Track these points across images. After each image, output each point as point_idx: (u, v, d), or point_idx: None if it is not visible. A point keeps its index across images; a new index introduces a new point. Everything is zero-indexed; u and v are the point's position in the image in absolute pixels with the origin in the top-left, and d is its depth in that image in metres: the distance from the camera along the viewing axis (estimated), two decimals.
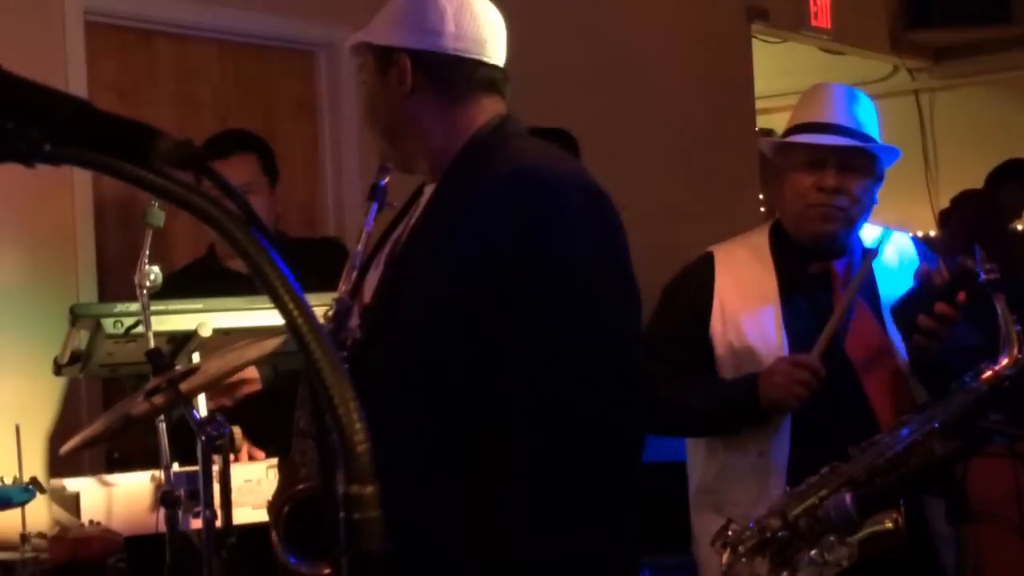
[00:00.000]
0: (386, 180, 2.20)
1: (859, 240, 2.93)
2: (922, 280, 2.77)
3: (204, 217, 0.80)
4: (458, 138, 2.13)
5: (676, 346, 2.88)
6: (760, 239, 2.97)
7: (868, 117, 2.87)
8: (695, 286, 2.94)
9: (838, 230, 2.85)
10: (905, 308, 2.77)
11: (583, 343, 1.95)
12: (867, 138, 2.83)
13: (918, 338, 2.70)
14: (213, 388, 2.99)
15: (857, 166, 2.84)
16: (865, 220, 2.91)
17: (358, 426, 0.80)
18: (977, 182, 6.60)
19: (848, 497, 2.61)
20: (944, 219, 5.72)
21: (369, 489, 0.80)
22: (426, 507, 1.98)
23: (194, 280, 3.56)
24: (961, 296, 2.66)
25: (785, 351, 2.80)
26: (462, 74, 2.14)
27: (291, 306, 0.78)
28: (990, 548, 3.07)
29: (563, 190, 2.01)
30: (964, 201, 5.62)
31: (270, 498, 2.26)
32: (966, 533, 2.61)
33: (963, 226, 5.30)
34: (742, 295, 2.88)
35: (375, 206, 2.18)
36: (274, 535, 2.06)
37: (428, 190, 2.21)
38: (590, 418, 1.93)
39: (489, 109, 2.16)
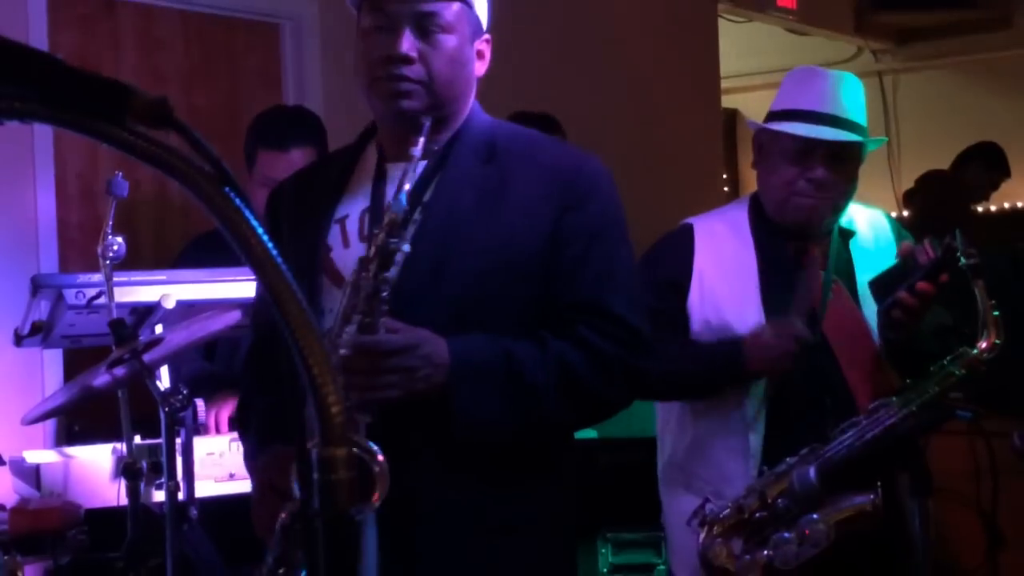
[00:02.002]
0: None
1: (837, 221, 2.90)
2: (905, 257, 2.72)
3: (178, 176, 0.79)
4: (464, 113, 2.26)
5: (655, 318, 2.84)
6: (739, 214, 2.94)
7: (855, 102, 2.83)
8: (674, 258, 2.90)
9: (823, 220, 2.84)
10: (884, 283, 2.75)
11: (626, 307, 2.16)
12: (856, 126, 2.80)
13: (896, 313, 2.69)
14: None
15: (846, 156, 2.81)
16: (848, 205, 2.89)
17: (333, 388, 0.79)
18: (938, 163, 6.64)
19: (812, 470, 2.63)
20: (908, 199, 5.75)
21: (342, 451, 0.80)
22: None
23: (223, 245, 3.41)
24: (944, 277, 2.65)
25: None
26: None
27: (266, 265, 0.77)
28: (948, 524, 3.10)
29: (599, 171, 2.26)
30: (928, 181, 5.66)
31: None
32: (927, 506, 2.63)
33: (926, 206, 5.34)
34: (721, 271, 2.86)
35: (423, 140, 2.09)
36: None
37: (392, 167, 2.21)
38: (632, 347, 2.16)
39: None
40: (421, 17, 2.13)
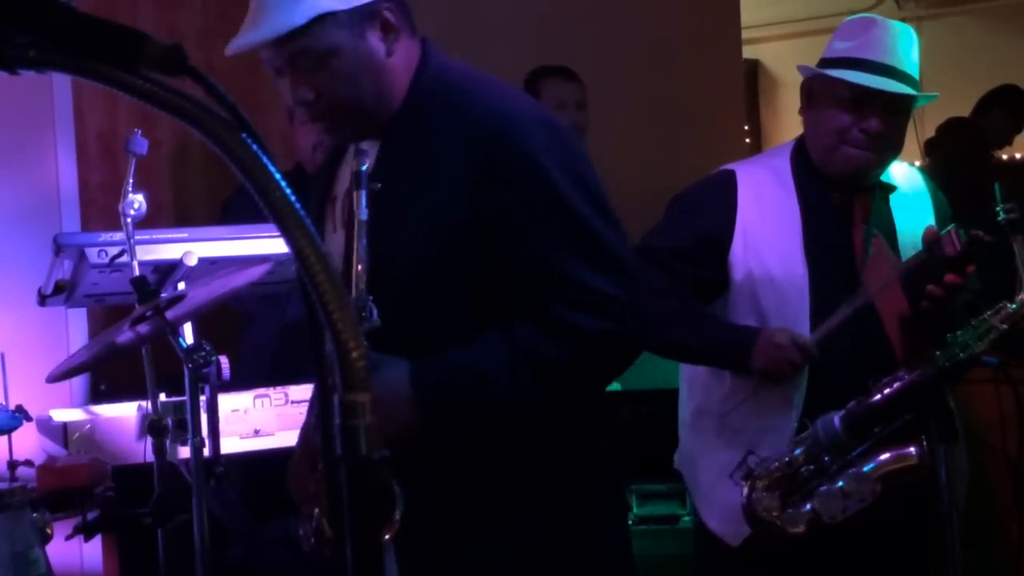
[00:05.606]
0: (368, 164, 2.02)
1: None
2: (930, 245, 2.68)
3: (195, 123, 0.79)
4: (406, 82, 2.09)
5: (682, 261, 2.83)
6: (781, 162, 2.90)
7: (911, 55, 2.79)
8: (715, 206, 2.87)
9: (872, 172, 2.81)
10: (911, 271, 2.72)
11: (579, 265, 1.97)
12: (911, 79, 2.77)
13: (925, 305, 2.67)
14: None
15: (900, 109, 2.78)
16: (895, 159, 2.86)
17: (353, 334, 0.79)
18: (962, 112, 6.58)
19: (836, 418, 2.63)
20: (929, 148, 5.70)
21: (364, 396, 0.79)
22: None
23: None
24: (971, 268, 2.62)
25: (807, 283, 2.77)
26: (409, 11, 2.11)
27: (285, 213, 0.77)
28: (976, 471, 3.10)
29: (524, 129, 2.01)
30: (949, 129, 5.61)
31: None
32: (952, 452, 2.62)
33: (948, 155, 5.29)
34: (764, 219, 2.83)
35: (364, 194, 2.00)
36: None
37: (369, 147, 2.08)
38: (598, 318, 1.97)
39: (416, 45, 2.12)
40: (295, 59, 2.02)
